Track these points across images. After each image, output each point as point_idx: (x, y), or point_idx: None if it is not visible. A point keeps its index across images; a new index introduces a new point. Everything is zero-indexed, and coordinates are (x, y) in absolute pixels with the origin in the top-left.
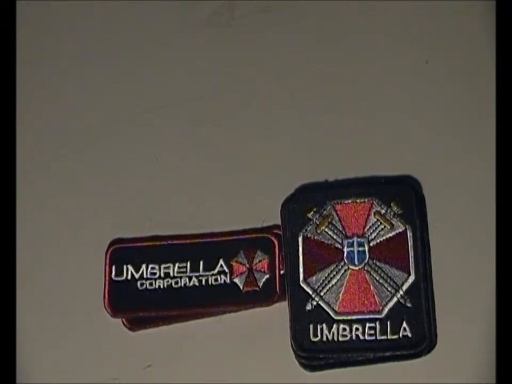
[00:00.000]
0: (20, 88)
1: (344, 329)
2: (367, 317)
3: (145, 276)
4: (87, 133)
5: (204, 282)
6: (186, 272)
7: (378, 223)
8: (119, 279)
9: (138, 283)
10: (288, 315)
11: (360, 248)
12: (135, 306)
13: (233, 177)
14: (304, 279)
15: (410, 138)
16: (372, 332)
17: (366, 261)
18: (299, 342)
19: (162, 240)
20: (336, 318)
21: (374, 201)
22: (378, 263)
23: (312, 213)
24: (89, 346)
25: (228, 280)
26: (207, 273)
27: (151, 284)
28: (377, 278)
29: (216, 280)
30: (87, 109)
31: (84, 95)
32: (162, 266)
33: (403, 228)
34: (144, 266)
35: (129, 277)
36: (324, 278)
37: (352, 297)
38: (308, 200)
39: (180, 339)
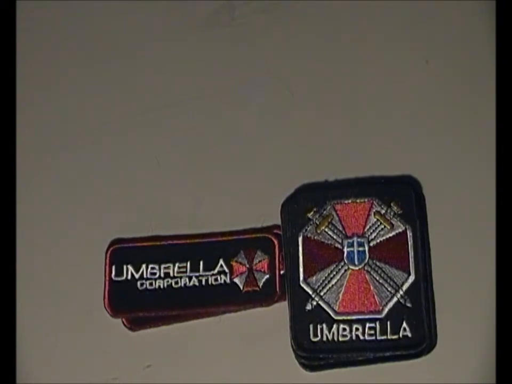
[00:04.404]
0: (20, 88)
1: (344, 329)
2: (367, 317)
3: (145, 276)
4: (87, 133)
5: (204, 282)
6: (186, 272)
7: (378, 223)
8: (119, 279)
9: (138, 283)
10: (288, 315)
11: (360, 248)
12: (135, 306)
13: (233, 177)
14: (304, 279)
15: (410, 138)
16: (372, 332)
17: (366, 261)
18: (299, 342)
19: (162, 240)
20: (336, 318)
21: (374, 201)
22: (378, 263)
23: (312, 213)
24: (89, 346)
25: (228, 280)
26: (207, 273)
27: (151, 284)
28: (377, 278)
29: (216, 280)
30: (87, 109)
31: (84, 95)
32: (162, 266)
33: (403, 228)
34: (144, 266)
35: (129, 277)
36: (324, 278)
37: (352, 297)
38: (308, 200)
39: (180, 339)
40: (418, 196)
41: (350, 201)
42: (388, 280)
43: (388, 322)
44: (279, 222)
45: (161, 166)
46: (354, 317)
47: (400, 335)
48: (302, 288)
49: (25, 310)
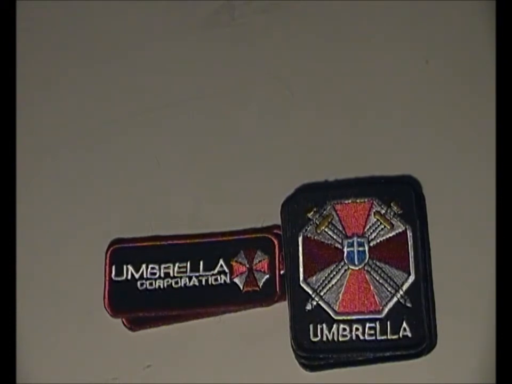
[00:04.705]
0: (20, 88)
1: (344, 329)
2: (367, 317)
3: (145, 276)
4: (87, 133)
5: (204, 282)
6: (186, 272)
7: (378, 223)
8: (119, 279)
9: (138, 283)
10: (288, 315)
11: (360, 248)
12: (135, 306)
13: (233, 177)
14: (304, 279)
15: (410, 138)
16: (372, 332)
17: (366, 261)
18: (299, 342)
19: (162, 240)
20: (336, 318)
21: (374, 201)
22: (378, 263)
23: (312, 213)
24: (89, 346)
25: (228, 280)
26: (207, 273)
27: (151, 284)
28: (377, 278)
29: (216, 280)
30: (87, 109)
31: (84, 95)
32: (162, 266)
33: (403, 228)
34: (144, 266)
35: (129, 277)
36: (324, 278)
37: (352, 297)
38: (308, 200)
39: (180, 339)
40: (418, 196)
41: (350, 201)
42: (388, 280)
43: (388, 322)
44: (279, 222)
45: (161, 166)
46: (354, 317)
47: (400, 335)
48: (302, 288)
49: (25, 310)
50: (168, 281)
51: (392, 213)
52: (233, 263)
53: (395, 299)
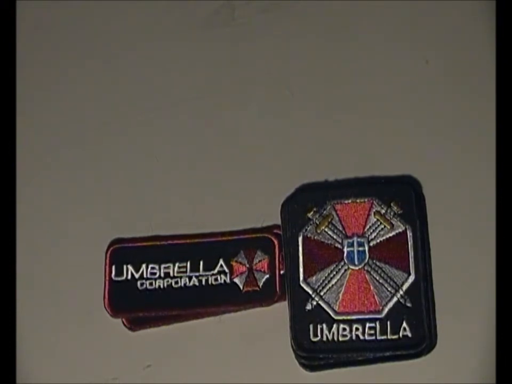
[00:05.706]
0: (20, 88)
1: (344, 329)
2: (367, 317)
3: (145, 276)
4: (87, 133)
5: (204, 282)
6: (186, 272)
7: (378, 223)
8: (119, 279)
9: (138, 283)
10: (288, 315)
11: (360, 248)
12: (135, 306)
13: (233, 177)
14: (304, 279)
15: (410, 138)
16: (372, 331)
17: (366, 261)
18: (299, 342)
19: (162, 240)
20: (336, 318)
21: (374, 201)
22: (378, 263)
23: (312, 213)
24: (89, 346)
25: (228, 280)
26: (207, 273)
27: (151, 284)
28: (377, 278)
29: (216, 280)
30: (87, 109)
31: (84, 95)
32: (162, 266)
33: (403, 228)
34: (144, 266)
35: (129, 277)
36: (324, 278)
37: (352, 297)
38: (308, 200)
39: (180, 339)
40: (418, 196)
41: (350, 201)
42: (388, 280)
43: (388, 322)
44: (279, 222)
45: (161, 166)
46: (354, 317)
47: (400, 335)
48: (302, 288)
49: (25, 310)
50: (168, 281)
51: (392, 213)
52: (233, 263)
53: (395, 299)
